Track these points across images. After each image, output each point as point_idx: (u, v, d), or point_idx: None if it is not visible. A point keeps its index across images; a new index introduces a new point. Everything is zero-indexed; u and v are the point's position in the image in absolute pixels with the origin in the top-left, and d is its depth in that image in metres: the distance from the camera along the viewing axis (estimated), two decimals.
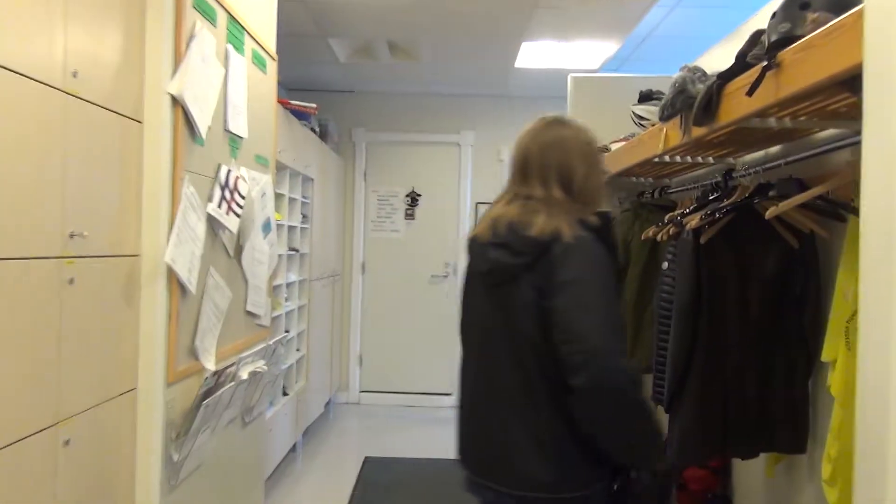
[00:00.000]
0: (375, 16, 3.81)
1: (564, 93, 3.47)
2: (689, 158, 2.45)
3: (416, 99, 5.91)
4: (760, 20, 2.41)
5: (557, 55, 4.36)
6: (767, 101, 1.36)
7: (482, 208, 5.88)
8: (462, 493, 1.68)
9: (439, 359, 5.76)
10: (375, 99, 5.91)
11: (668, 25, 3.97)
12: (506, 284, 1.55)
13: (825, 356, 1.70)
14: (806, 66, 1.21)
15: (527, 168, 1.64)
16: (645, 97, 2.36)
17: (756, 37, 1.59)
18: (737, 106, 1.54)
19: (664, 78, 3.10)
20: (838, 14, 1.23)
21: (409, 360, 5.92)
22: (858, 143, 1.37)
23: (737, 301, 1.94)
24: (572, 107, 3.46)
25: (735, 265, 1.95)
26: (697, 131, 1.76)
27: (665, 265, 2.18)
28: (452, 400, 5.77)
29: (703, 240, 1.96)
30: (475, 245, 1.68)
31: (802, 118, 1.71)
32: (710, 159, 2.49)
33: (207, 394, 2.04)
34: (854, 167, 1.51)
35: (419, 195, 5.97)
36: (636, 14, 3.41)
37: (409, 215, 5.99)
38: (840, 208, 1.65)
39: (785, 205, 1.57)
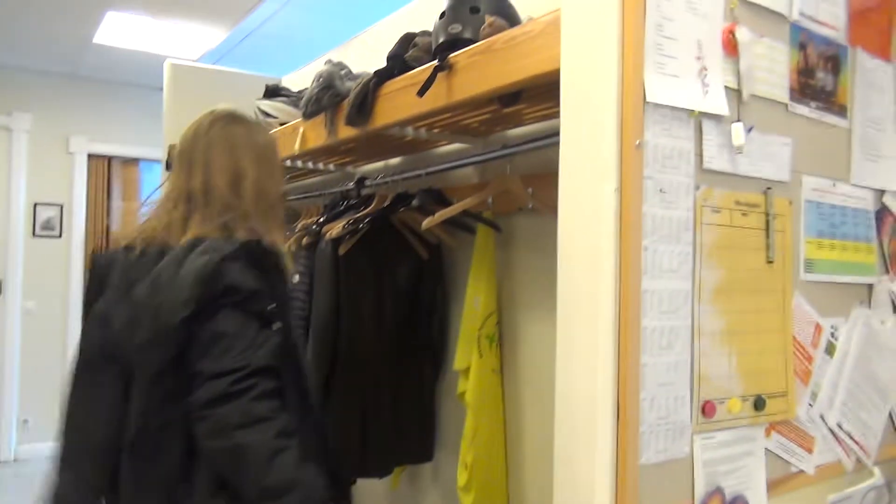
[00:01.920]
0: None
1: (156, 81, 3.01)
2: (310, 164, 2.32)
3: None
4: (373, 35, 2.48)
5: (151, 36, 3.77)
6: (438, 104, 1.28)
7: (44, 210, 4.80)
8: None
9: None
10: None
11: (274, 25, 3.80)
12: None
13: (458, 364, 1.74)
14: (485, 70, 1.16)
15: (188, 168, 1.35)
16: (272, 92, 2.13)
17: (408, 39, 1.53)
18: (395, 107, 1.44)
19: (272, 78, 2.97)
20: (507, 20, 1.21)
21: None
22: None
23: (374, 314, 1.89)
24: (170, 97, 3.02)
25: (372, 277, 1.90)
26: (346, 132, 1.61)
27: (296, 278, 1.99)
28: (0, 454, 4.69)
29: (342, 250, 1.84)
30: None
31: (436, 130, 1.72)
32: (332, 166, 2.41)
33: None
34: (507, 180, 1.57)
35: None
36: (250, 2, 3.13)
37: None
38: (474, 220, 1.70)
39: (441, 214, 1.54)
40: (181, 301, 1.14)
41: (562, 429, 0.93)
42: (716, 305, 1.00)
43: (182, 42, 3.84)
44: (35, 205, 4.78)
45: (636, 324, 0.89)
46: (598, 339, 0.88)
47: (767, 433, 1.08)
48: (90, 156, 4.99)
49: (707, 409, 0.99)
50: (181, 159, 1.36)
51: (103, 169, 5.06)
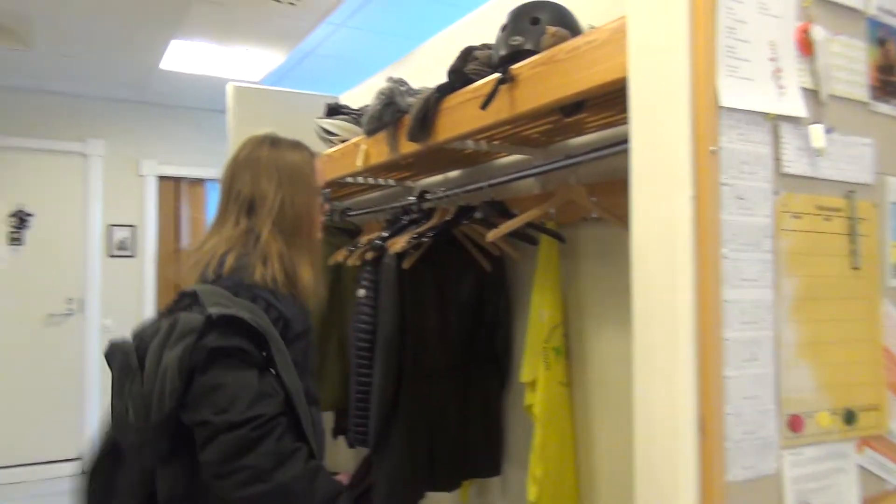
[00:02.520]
0: None
1: (220, 104, 3.12)
2: (370, 180, 2.35)
3: (25, 95, 4.76)
4: (429, 51, 2.50)
5: (214, 61, 3.91)
6: (500, 116, 1.27)
7: (118, 231, 5.02)
8: None
9: (66, 417, 4.73)
10: None
11: (330, 45, 3.89)
12: None
13: (524, 377, 1.72)
14: (549, 81, 1.15)
15: (223, 196, 1.41)
16: (333, 111, 2.18)
17: (468, 52, 1.53)
18: (457, 121, 1.45)
19: (330, 97, 3.03)
20: (569, 30, 1.20)
21: (22, 423, 4.69)
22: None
23: (438, 327, 1.89)
24: (233, 119, 3.12)
25: (435, 290, 1.90)
26: (408, 147, 1.63)
27: (362, 292, 2.02)
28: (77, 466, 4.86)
29: (406, 265, 1.85)
30: None
31: (496, 142, 1.72)
32: (391, 181, 2.43)
33: None
34: (570, 190, 1.56)
35: (29, 215, 4.80)
36: (307, 25, 3.22)
37: (16, 240, 4.77)
38: (537, 231, 1.69)
39: (507, 226, 1.53)
40: (167, 393, 1.12)
41: (642, 445, 0.90)
42: (800, 315, 0.96)
43: (243, 65, 3.97)
44: (110, 226, 5.01)
45: (717, 335, 0.87)
46: (677, 353, 0.86)
47: (859, 448, 1.03)
48: (160, 178, 5.20)
49: (794, 424, 0.95)
50: (220, 189, 1.40)
51: (172, 190, 5.27)
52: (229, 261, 1.29)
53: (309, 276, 1.36)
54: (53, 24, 3.41)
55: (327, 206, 1.51)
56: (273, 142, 1.43)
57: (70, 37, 3.59)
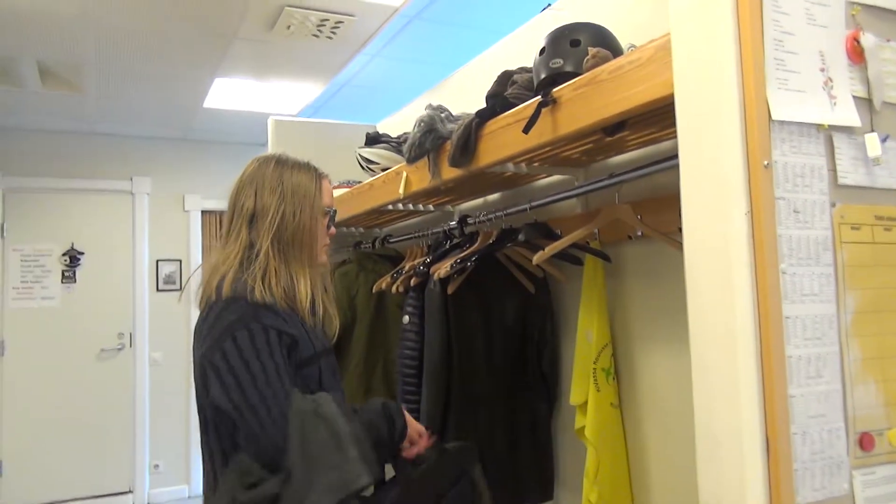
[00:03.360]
0: (17, 27, 2.99)
1: (259, 138, 3.19)
2: (410, 206, 2.37)
3: (76, 138, 4.96)
4: (463, 77, 2.53)
5: (253, 96, 4.02)
6: (543, 139, 1.28)
7: (165, 266, 5.15)
8: None
9: (118, 450, 4.83)
10: (19, 136, 4.81)
11: (366, 75, 3.96)
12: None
13: (574, 399, 1.70)
14: (592, 102, 1.15)
15: (229, 212, 1.45)
16: (372, 140, 2.21)
17: (507, 77, 1.54)
18: (498, 146, 1.46)
19: (367, 126, 3.08)
20: (609, 49, 1.20)
21: (76, 457, 4.79)
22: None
23: (484, 352, 1.89)
24: (274, 152, 3.18)
25: (480, 314, 1.90)
26: (450, 173, 1.64)
27: (406, 319, 2.03)
28: (135, 498, 5.01)
29: (450, 290, 1.86)
30: None
31: (536, 164, 1.72)
32: (431, 206, 2.44)
33: None
34: (615, 209, 1.55)
35: (81, 253, 4.97)
36: (342, 58, 3.29)
37: (69, 277, 4.94)
38: (582, 251, 1.67)
39: (552, 248, 1.53)
40: None
41: (706, 468, 0.88)
42: (864, 329, 0.93)
43: (282, 99, 4.07)
44: (157, 261, 5.14)
45: (780, 353, 0.84)
46: (738, 372, 0.84)
47: None
48: (203, 212, 5.33)
49: (865, 442, 0.92)
50: (228, 207, 1.44)
51: (216, 224, 5.39)
52: (227, 281, 1.30)
53: (307, 294, 1.35)
54: (102, 70, 3.55)
55: (333, 230, 1.51)
56: (279, 160, 1.45)
57: (118, 81, 3.74)
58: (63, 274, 4.92)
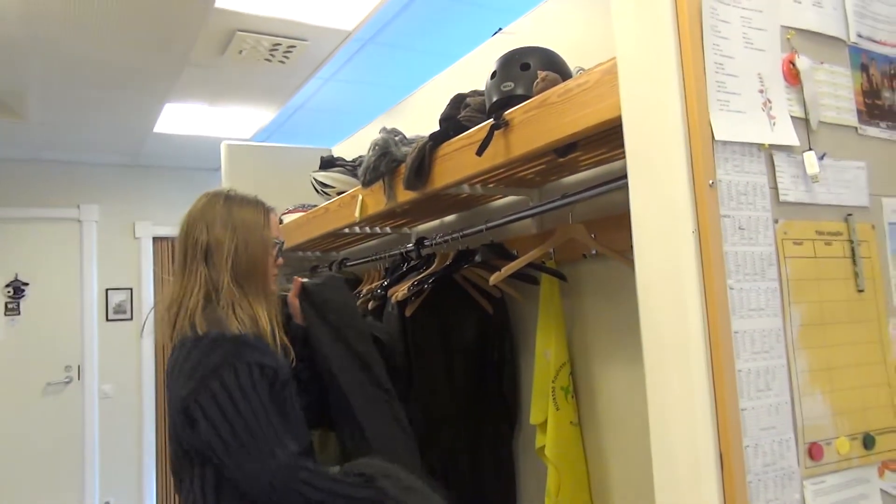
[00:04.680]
0: None
1: (211, 163, 3.16)
2: (367, 229, 2.36)
3: (18, 165, 4.80)
4: (417, 100, 2.55)
5: (206, 120, 3.96)
6: (496, 161, 1.29)
7: (115, 295, 4.99)
8: None
9: (67, 487, 4.64)
10: None
11: (320, 99, 3.95)
12: None
13: (534, 419, 1.70)
14: (543, 124, 1.17)
15: (181, 247, 1.50)
16: (327, 163, 2.20)
17: (459, 100, 1.56)
18: (452, 168, 1.47)
19: (322, 150, 3.07)
20: (557, 72, 1.22)
21: (23, 496, 4.57)
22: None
23: (444, 373, 1.88)
24: (227, 177, 3.14)
25: (439, 336, 1.90)
26: (405, 195, 1.64)
27: None
28: None
29: (408, 312, 1.85)
30: None
31: (491, 185, 1.74)
32: (388, 229, 2.44)
33: None
34: (570, 228, 1.56)
35: (25, 284, 4.79)
36: (296, 83, 3.28)
37: (12, 310, 4.74)
38: (538, 271, 1.69)
39: (508, 268, 1.54)
40: None
41: (663, 483, 0.89)
42: (810, 341, 0.96)
43: (235, 123, 4.02)
44: (107, 290, 4.99)
45: (730, 367, 0.86)
46: (692, 387, 0.85)
47: (881, 473, 1.01)
48: (155, 238, 5.21)
49: (814, 452, 0.94)
50: (178, 241, 1.48)
51: (168, 251, 5.27)
52: (198, 316, 1.35)
53: (267, 323, 1.42)
54: (47, 96, 3.46)
55: (281, 261, 1.58)
56: (228, 196, 1.51)
57: (64, 107, 3.64)
58: (6, 306, 4.73)
